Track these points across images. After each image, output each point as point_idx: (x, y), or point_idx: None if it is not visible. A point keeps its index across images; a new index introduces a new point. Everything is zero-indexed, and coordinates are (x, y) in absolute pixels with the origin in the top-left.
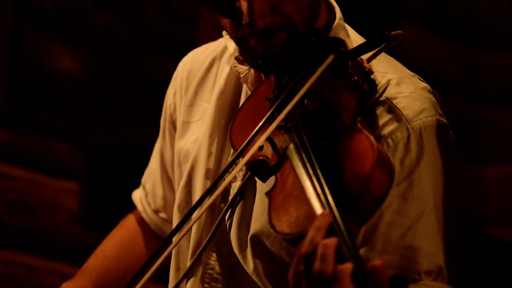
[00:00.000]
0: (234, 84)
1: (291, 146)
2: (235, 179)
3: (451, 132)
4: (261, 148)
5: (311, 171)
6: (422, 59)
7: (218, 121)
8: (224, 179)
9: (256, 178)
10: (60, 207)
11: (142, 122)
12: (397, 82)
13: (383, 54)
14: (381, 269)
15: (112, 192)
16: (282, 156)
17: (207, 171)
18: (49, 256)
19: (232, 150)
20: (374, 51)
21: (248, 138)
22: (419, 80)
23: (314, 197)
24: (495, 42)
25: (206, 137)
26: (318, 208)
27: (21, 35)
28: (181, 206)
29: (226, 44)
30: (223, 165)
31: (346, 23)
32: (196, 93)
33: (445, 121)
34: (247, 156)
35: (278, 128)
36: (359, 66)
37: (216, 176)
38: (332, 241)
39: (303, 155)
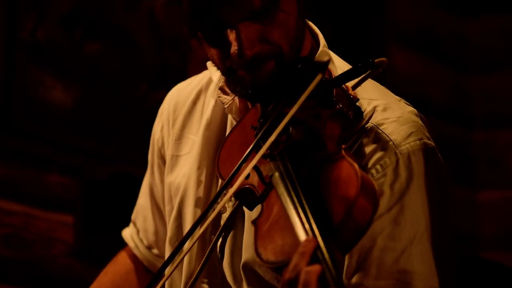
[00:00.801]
0: (221, 115)
1: (276, 174)
2: (224, 210)
3: (439, 155)
4: (247, 176)
5: (295, 199)
6: (413, 83)
7: (206, 152)
8: (214, 209)
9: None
10: (55, 239)
11: (135, 153)
12: (383, 108)
13: (369, 79)
14: None
15: (108, 223)
16: (268, 185)
17: (197, 200)
18: None
19: (220, 180)
20: (359, 78)
21: (235, 168)
22: (406, 104)
23: (298, 225)
24: (486, 66)
25: (194, 169)
26: (302, 236)
27: (12, 67)
28: (172, 240)
29: (211, 76)
30: (213, 194)
31: (336, 47)
32: (183, 126)
33: (433, 144)
34: (235, 186)
35: (263, 156)
36: (343, 93)
37: (206, 205)
38: (315, 268)
39: (288, 183)
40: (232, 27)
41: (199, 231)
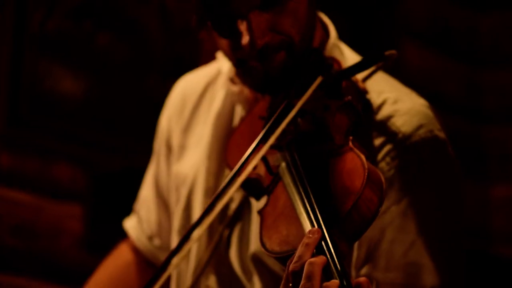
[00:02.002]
0: (230, 107)
1: (283, 164)
2: (232, 200)
3: (450, 148)
4: (254, 166)
5: (301, 190)
6: (425, 78)
7: (216, 142)
8: (222, 198)
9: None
10: (63, 231)
11: (144, 144)
12: (394, 101)
13: (379, 72)
14: (365, 285)
15: (116, 215)
16: (274, 175)
17: (207, 190)
18: (53, 280)
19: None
20: (369, 71)
21: (242, 159)
22: (417, 97)
23: (304, 215)
24: (499, 61)
25: (204, 160)
26: (307, 227)
27: (21, 58)
28: (181, 230)
29: (220, 67)
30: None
31: (347, 42)
32: (191, 117)
33: (444, 136)
34: (242, 176)
35: (271, 146)
36: (353, 86)
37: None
38: (320, 259)
39: (294, 174)
40: (242, 17)
41: (207, 220)
